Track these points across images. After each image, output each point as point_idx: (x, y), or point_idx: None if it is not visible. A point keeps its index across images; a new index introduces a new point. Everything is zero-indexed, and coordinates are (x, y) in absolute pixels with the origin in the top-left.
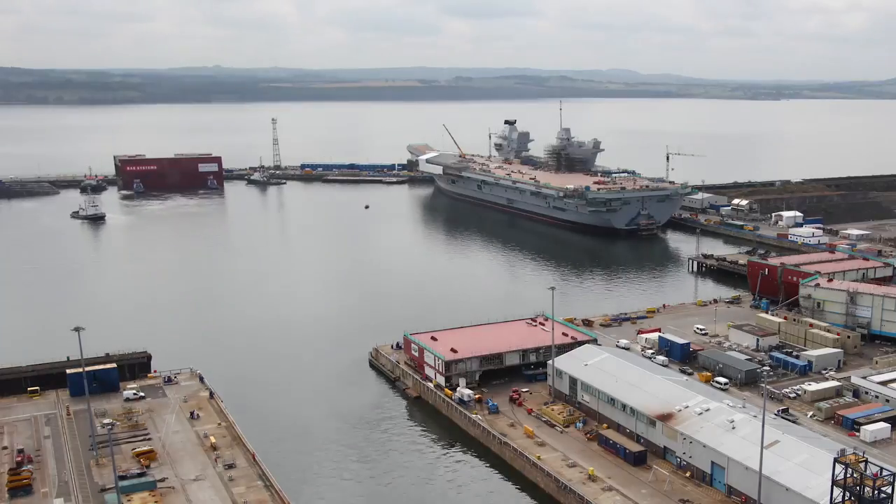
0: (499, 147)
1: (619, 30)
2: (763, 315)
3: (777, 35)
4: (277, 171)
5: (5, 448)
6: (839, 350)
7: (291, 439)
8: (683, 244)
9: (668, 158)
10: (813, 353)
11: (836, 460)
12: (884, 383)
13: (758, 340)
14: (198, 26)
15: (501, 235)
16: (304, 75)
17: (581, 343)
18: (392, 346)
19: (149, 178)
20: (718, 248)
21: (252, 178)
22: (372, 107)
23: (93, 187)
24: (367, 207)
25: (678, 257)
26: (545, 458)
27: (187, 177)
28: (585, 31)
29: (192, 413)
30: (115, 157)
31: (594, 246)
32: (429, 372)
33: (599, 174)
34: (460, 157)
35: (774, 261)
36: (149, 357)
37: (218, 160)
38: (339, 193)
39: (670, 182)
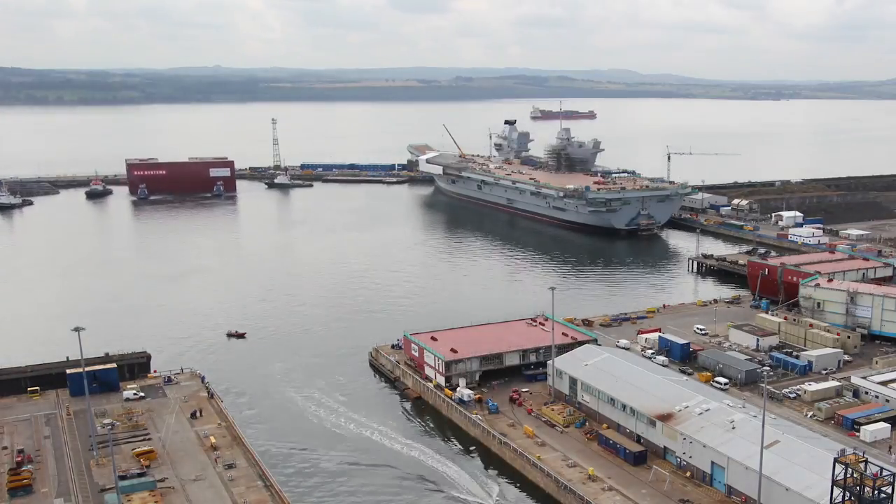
0: (499, 147)
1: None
2: (763, 315)
3: (775, 33)
4: (277, 171)
5: (5, 448)
6: (839, 350)
7: (291, 439)
8: (683, 244)
9: (668, 158)
10: (813, 353)
11: (836, 460)
12: (884, 383)
13: (758, 340)
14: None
15: (501, 235)
16: (304, 75)
17: (581, 343)
18: (392, 346)
19: (158, 183)
20: (718, 248)
21: (276, 181)
22: (372, 107)
23: (99, 193)
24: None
25: (678, 257)
26: (545, 458)
27: (198, 182)
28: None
29: (192, 413)
30: (126, 161)
31: (594, 246)
32: (429, 372)
33: (599, 174)
34: (460, 157)
35: (774, 261)
36: (148, 357)
37: (230, 164)
38: (343, 193)
39: (670, 182)
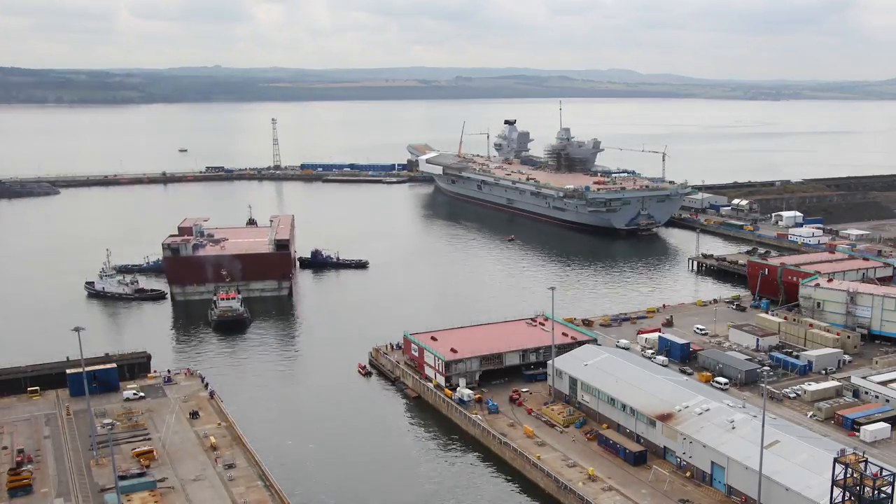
0: (499, 147)
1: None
2: (763, 315)
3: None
4: (277, 171)
5: (5, 448)
6: (839, 350)
7: (291, 439)
8: (683, 244)
9: (663, 158)
10: (813, 353)
11: (836, 460)
12: (884, 383)
13: (758, 340)
14: None
15: (501, 235)
16: (304, 75)
17: (581, 343)
18: (392, 346)
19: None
20: (718, 248)
21: (319, 253)
22: (372, 106)
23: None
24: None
25: (678, 257)
26: (545, 458)
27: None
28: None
29: (192, 413)
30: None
31: (594, 246)
32: (429, 372)
33: (599, 174)
34: (459, 157)
35: (774, 261)
36: (148, 357)
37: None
38: (342, 194)
39: (670, 182)
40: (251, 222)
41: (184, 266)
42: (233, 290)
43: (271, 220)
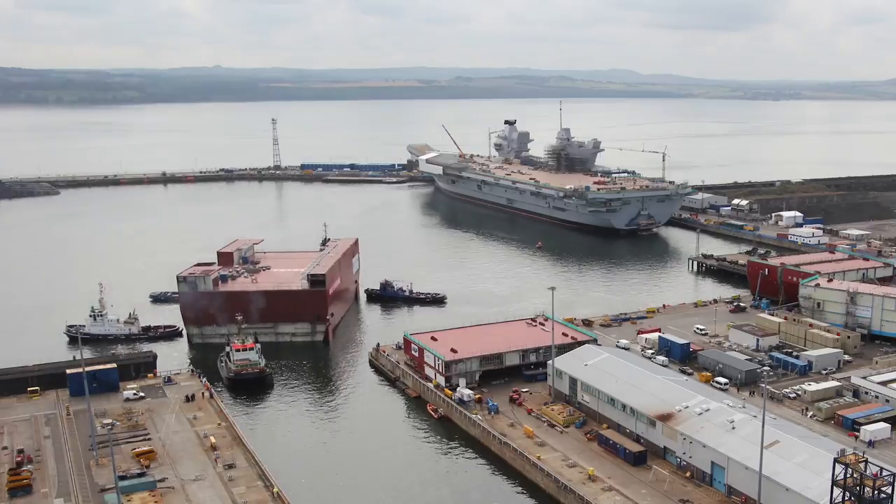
0: (499, 147)
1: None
2: (763, 315)
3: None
4: (277, 171)
5: (5, 448)
6: (839, 350)
7: (291, 439)
8: (683, 244)
9: (663, 158)
10: (813, 353)
11: (836, 460)
12: (884, 383)
13: (758, 340)
14: None
15: (501, 235)
16: (304, 75)
17: (581, 343)
18: (392, 346)
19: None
20: (718, 248)
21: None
22: (372, 106)
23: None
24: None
25: (678, 257)
26: (545, 458)
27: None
28: None
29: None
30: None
31: (594, 246)
32: (429, 372)
33: (599, 174)
34: (460, 157)
35: (774, 261)
36: (154, 357)
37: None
38: (341, 193)
39: (670, 182)
40: (326, 242)
41: (201, 303)
42: (250, 339)
43: (324, 245)
